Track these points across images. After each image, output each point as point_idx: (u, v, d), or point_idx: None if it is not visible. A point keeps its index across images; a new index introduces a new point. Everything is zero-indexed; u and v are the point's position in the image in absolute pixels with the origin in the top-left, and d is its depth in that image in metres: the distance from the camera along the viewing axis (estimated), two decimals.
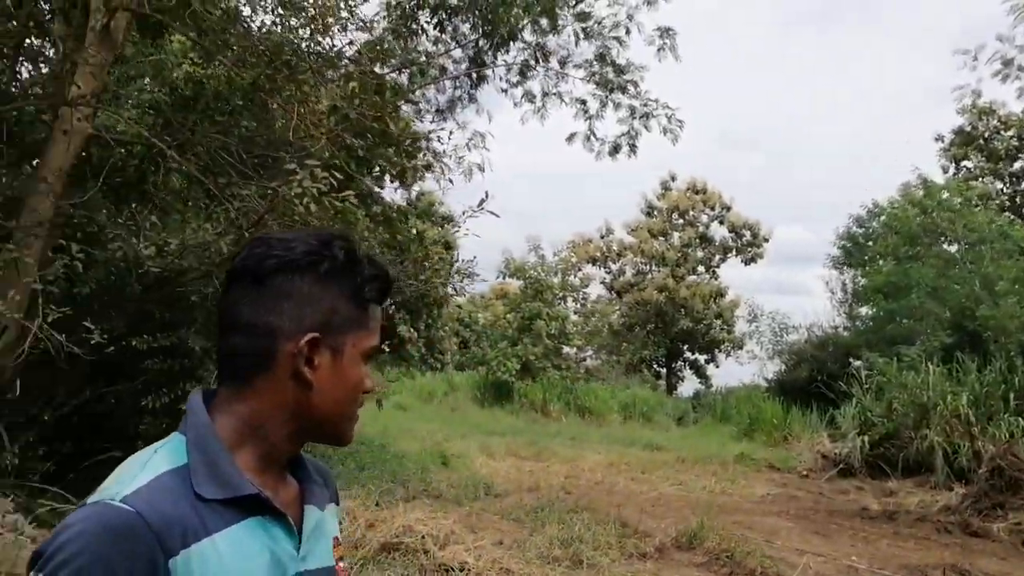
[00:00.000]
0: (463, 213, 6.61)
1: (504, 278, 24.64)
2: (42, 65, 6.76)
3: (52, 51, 6.55)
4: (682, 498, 10.30)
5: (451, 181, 6.66)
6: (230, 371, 1.08)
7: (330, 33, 5.66)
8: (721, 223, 32.20)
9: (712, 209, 32.13)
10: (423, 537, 5.76)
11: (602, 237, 33.11)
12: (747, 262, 32.25)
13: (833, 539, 8.21)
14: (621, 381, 26.79)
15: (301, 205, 4.66)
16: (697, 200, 31.83)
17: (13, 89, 5.97)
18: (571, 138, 7.80)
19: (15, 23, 6.02)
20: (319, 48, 6.05)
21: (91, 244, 5.35)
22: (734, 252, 32.24)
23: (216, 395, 1.09)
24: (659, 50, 7.98)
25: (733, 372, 55.43)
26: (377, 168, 13.09)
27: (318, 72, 5.52)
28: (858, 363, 17.36)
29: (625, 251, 32.52)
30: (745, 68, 60.97)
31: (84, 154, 5.96)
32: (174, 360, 5.21)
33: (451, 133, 7.39)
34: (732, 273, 56.31)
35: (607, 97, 7.23)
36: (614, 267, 32.86)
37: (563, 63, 7.14)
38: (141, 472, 0.99)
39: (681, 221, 32.20)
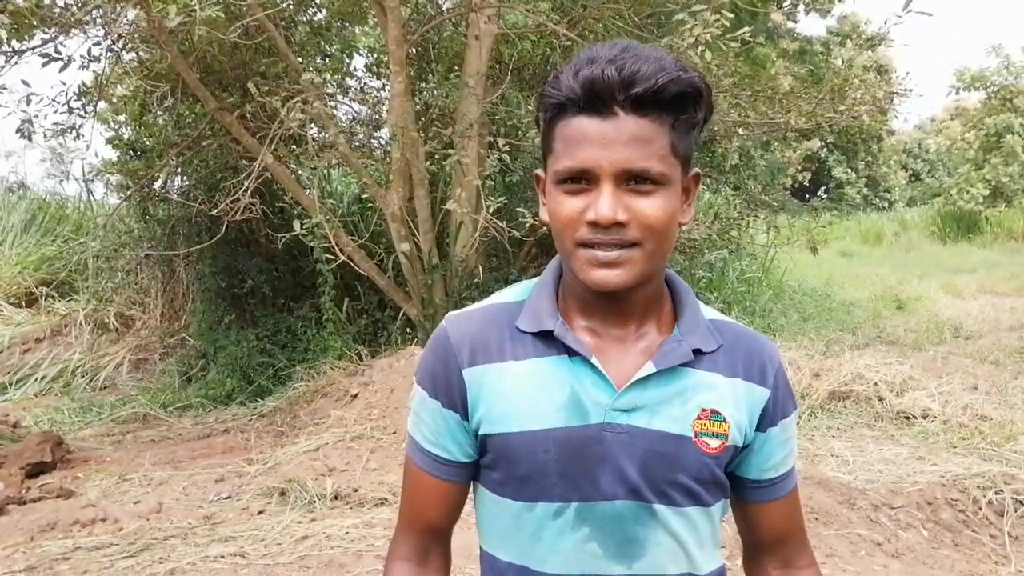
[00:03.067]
0: (884, 23, 5.67)
1: (957, 93, 21.04)
2: None
3: None
4: None
5: None
6: None
7: None
8: None
9: None
10: (876, 384, 5.35)
11: None
12: None
13: None
14: None
15: (696, 55, 4.45)
16: None
17: (430, 11, 6.65)
18: None
19: None
20: None
21: (514, 136, 5.82)
22: None
23: None
24: None
25: None
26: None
27: None
28: None
29: None
30: None
31: (496, 54, 6.47)
32: None
33: None
34: None
35: None
36: None
37: None
38: (486, 301, 1.15)
39: None
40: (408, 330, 6.34)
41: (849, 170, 24.80)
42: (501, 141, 5.54)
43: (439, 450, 1.10)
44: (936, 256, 16.15)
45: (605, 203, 0.94)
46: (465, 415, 1.08)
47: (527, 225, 5.19)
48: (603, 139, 0.94)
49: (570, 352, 1.04)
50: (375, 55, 7.56)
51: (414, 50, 6.59)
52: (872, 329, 8.44)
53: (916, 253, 16.99)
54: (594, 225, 0.95)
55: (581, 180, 0.96)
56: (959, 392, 5.44)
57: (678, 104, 0.95)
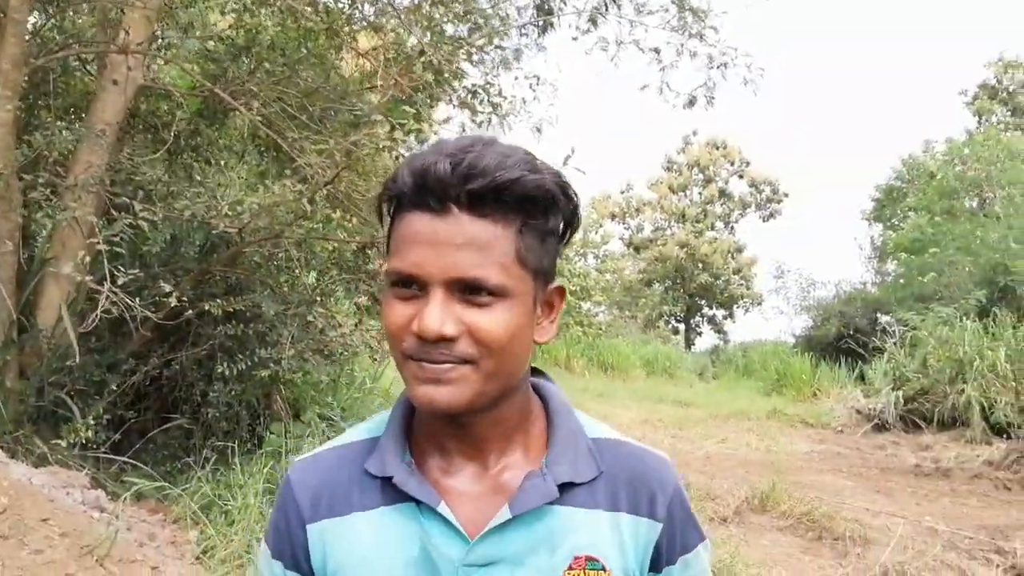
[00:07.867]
0: None
1: None
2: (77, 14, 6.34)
3: None
4: (730, 456, 10.18)
5: (511, 127, 6.23)
6: None
7: None
8: (740, 178, 31.81)
9: (731, 164, 31.72)
10: None
11: (622, 193, 32.78)
12: (765, 219, 31.97)
13: (895, 497, 8.03)
14: (639, 336, 26.66)
15: (392, 157, 4.37)
16: (718, 155, 31.37)
17: (57, 38, 5.60)
18: (644, 88, 7.41)
19: None
20: None
21: (154, 202, 5.05)
22: (753, 208, 31.92)
23: None
24: None
25: (752, 327, 56.46)
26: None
27: (375, 21, 5.18)
28: (886, 319, 17.20)
29: (644, 207, 32.22)
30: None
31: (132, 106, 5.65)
32: (247, 325, 4.95)
33: (516, 78, 6.98)
34: (753, 229, 58.36)
35: (683, 46, 6.81)
36: (632, 223, 32.60)
37: (639, 10, 6.74)
38: (340, 438, 0.99)
39: (701, 177, 31.81)
40: None
41: None
42: (138, 205, 4.76)
43: None
44: None
45: (429, 314, 0.79)
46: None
47: (168, 306, 4.45)
48: (434, 240, 0.80)
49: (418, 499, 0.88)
50: None
51: (26, 78, 5.45)
52: None
53: None
54: (421, 337, 0.80)
55: (412, 285, 0.82)
56: None
57: (526, 207, 0.81)
